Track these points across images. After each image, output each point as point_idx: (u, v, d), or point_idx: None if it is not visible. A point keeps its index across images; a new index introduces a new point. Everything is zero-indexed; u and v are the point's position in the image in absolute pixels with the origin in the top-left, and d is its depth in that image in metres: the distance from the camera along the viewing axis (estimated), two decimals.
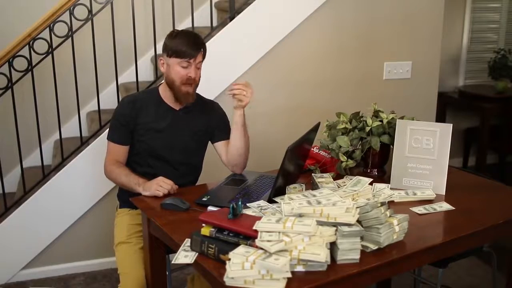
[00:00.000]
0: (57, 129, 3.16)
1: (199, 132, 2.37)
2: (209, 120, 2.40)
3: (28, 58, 2.89)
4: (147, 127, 2.29)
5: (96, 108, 3.20)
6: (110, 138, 2.32)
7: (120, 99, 3.25)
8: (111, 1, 3.01)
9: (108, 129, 2.37)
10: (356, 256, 1.57)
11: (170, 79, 2.25)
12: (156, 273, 2.15)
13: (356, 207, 1.63)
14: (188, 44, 2.20)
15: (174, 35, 2.25)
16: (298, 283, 1.45)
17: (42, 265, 3.12)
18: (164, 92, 2.33)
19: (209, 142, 2.45)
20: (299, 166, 2.24)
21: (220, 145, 2.41)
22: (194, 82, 2.25)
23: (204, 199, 2.05)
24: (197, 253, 1.61)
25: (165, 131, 2.30)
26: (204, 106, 2.42)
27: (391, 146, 2.28)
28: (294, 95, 3.38)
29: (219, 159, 2.43)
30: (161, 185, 2.12)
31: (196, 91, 2.43)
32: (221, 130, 2.42)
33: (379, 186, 2.04)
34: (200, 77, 2.29)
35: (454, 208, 1.97)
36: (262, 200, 1.92)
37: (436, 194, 2.09)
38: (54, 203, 3.04)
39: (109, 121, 3.07)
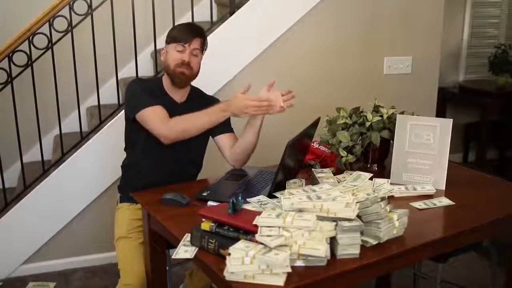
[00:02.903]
0: (57, 124, 3.16)
1: None
2: None
3: (28, 53, 2.89)
4: None
5: (96, 103, 3.19)
6: (145, 104, 2.20)
7: (120, 94, 3.24)
8: None
9: (135, 104, 2.24)
10: (356, 251, 1.57)
11: (166, 64, 2.29)
12: (156, 268, 2.16)
13: (356, 202, 1.63)
14: (184, 30, 2.27)
15: (176, 25, 2.35)
16: (298, 278, 1.45)
17: (42, 260, 3.12)
18: (166, 84, 2.34)
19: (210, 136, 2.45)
20: (299, 161, 2.24)
21: (220, 138, 2.39)
22: (189, 67, 2.25)
23: (204, 194, 2.05)
24: (197, 248, 1.61)
25: None
26: (205, 102, 2.42)
27: (391, 141, 2.28)
28: (294, 90, 3.32)
29: (219, 154, 2.42)
30: (255, 106, 2.11)
31: (198, 87, 2.44)
32: (221, 124, 2.41)
33: (379, 181, 2.04)
34: (198, 66, 2.30)
35: (454, 203, 1.98)
36: (262, 195, 1.92)
37: (436, 189, 2.10)
38: (54, 198, 3.04)
39: (109, 116, 3.09)
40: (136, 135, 2.31)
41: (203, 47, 2.31)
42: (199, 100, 2.39)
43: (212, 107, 2.19)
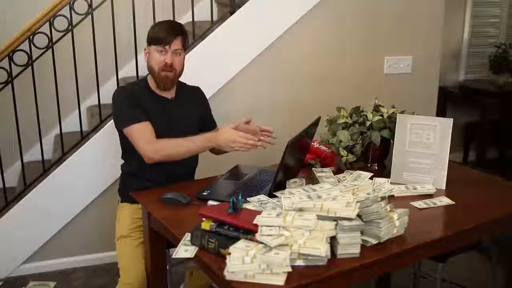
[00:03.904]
0: (57, 123, 3.16)
1: (192, 118, 2.37)
2: (199, 107, 2.44)
3: (28, 52, 2.89)
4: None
5: (97, 103, 3.19)
6: (131, 120, 2.18)
7: None
8: None
9: (120, 119, 2.25)
10: (356, 250, 1.57)
11: (150, 66, 2.28)
12: (157, 267, 2.16)
13: (356, 202, 1.63)
14: (164, 31, 2.24)
15: (155, 24, 2.32)
16: (298, 278, 1.45)
17: (42, 260, 3.13)
18: (152, 83, 2.33)
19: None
20: (300, 160, 2.24)
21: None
22: (172, 68, 2.24)
23: (204, 193, 2.05)
24: (197, 248, 1.62)
25: (161, 121, 2.28)
26: (191, 92, 2.44)
27: (392, 141, 2.28)
28: (295, 90, 3.38)
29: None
30: (243, 143, 2.07)
31: (196, 85, 2.44)
32: (210, 119, 2.48)
33: (379, 180, 2.04)
34: (181, 66, 2.29)
35: (454, 202, 1.98)
36: (262, 195, 1.92)
37: (436, 188, 2.10)
38: (54, 197, 3.04)
39: (110, 115, 3.09)
40: (131, 145, 2.25)
41: (185, 45, 2.30)
42: (187, 93, 2.41)
43: (199, 136, 2.18)
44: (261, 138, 2.22)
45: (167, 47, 2.22)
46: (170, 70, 2.24)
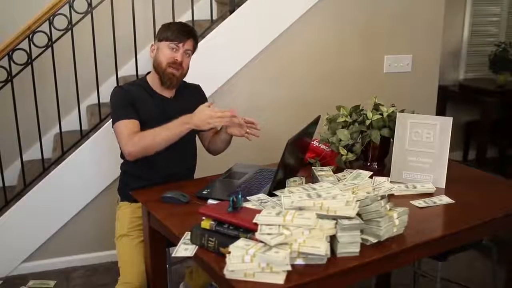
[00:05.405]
0: (57, 122, 3.16)
1: None
2: (198, 106, 2.42)
3: (28, 51, 2.89)
4: (143, 118, 2.26)
5: (96, 102, 3.19)
6: (120, 117, 2.20)
7: None
8: None
9: (113, 116, 2.26)
10: (356, 249, 1.57)
11: (157, 61, 2.28)
12: (156, 266, 2.16)
13: (356, 201, 1.63)
14: (179, 29, 2.27)
15: (170, 23, 2.35)
16: (298, 276, 1.45)
17: (42, 258, 3.13)
18: (153, 82, 2.33)
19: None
20: (299, 159, 2.24)
21: (204, 133, 2.45)
22: (180, 67, 2.26)
23: (204, 192, 2.05)
24: (197, 246, 1.62)
25: (160, 120, 2.26)
26: (191, 91, 2.44)
27: (391, 140, 2.28)
28: (295, 88, 3.38)
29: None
30: (219, 116, 2.11)
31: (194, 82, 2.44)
32: None
33: (379, 179, 2.04)
34: (188, 67, 2.31)
35: (454, 201, 1.98)
36: (262, 193, 1.92)
37: (436, 187, 2.10)
38: (54, 196, 3.04)
39: (109, 114, 3.09)
40: None
41: (194, 48, 2.33)
42: (187, 92, 2.41)
43: (174, 120, 2.16)
44: (247, 130, 2.26)
45: (180, 45, 2.25)
46: (177, 68, 2.26)
